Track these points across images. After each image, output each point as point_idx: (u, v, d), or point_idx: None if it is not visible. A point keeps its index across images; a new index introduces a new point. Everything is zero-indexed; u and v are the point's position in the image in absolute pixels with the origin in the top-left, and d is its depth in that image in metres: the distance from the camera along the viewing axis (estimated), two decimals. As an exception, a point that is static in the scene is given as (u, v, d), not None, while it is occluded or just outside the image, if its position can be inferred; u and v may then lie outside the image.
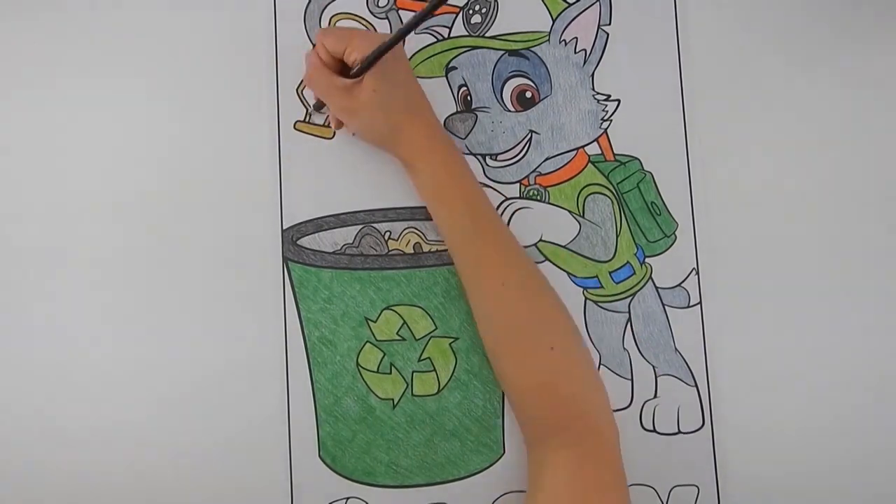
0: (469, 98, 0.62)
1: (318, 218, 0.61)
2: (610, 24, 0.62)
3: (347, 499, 0.59)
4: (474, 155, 0.62)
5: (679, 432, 0.60)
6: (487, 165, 0.62)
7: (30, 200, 0.61)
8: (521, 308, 0.55)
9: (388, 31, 0.62)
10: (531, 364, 0.55)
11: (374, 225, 0.61)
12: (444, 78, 0.62)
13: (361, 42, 0.54)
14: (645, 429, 0.60)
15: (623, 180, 0.61)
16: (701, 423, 0.60)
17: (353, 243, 0.61)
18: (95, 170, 0.61)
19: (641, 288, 0.61)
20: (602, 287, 0.61)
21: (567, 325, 0.56)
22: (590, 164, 0.62)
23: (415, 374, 0.60)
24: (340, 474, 0.60)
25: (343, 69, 0.56)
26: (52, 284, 0.60)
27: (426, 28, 0.62)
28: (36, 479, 0.59)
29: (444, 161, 0.57)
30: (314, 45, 0.58)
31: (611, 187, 0.61)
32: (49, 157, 0.61)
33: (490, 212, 0.57)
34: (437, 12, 0.62)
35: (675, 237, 0.61)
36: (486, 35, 0.62)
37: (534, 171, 0.62)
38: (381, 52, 0.52)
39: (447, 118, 0.62)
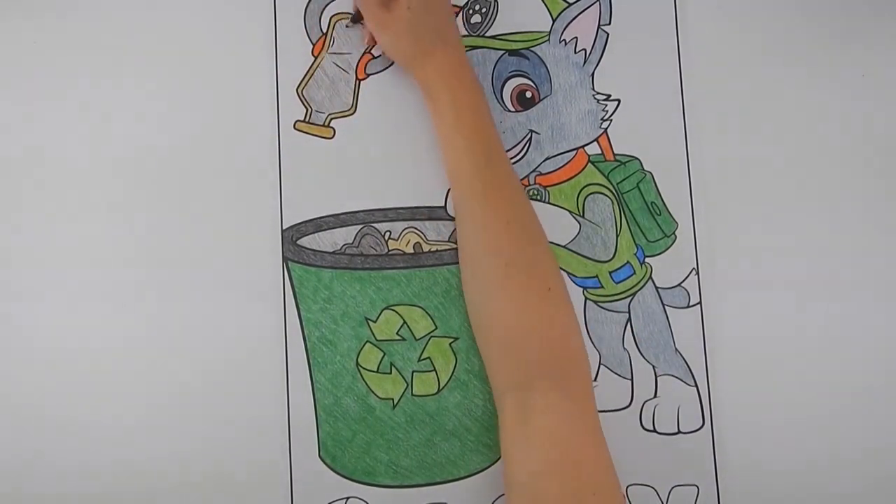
0: (469, 98, 0.62)
1: (318, 218, 0.61)
2: (610, 23, 0.62)
3: (347, 498, 0.59)
4: (474, 155, 0.61)
5: (679, 432, 0.60)
6: (487, 165, 0.61)
7: (29, 199, 0.61)
8: (524, 246, 0.55)
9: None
10: (531, 302, 0.54)
11: (374, 225, 0.61)
12: (444, 78, 0.62)
13: None
14: (645, 429, 0.60)
15: (623, 180, 0.61)
16: (701, 422, 0.60)
17: (353, 243, 0.61)
18: (95, 169, 0.61)
19: (641, 288, 0.61)
20: (602, 287, 0.61)
21: (558, 269, 0.57)
22: (590, 164, 0.62)
23: (415, 373, 0.60)
24: (340, 474, 0.60)
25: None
26: (51, 283, 0.60)
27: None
28: (31, 473, 0.59)
29: (466, 92, 0.57)
30: None
31: (611, 187, 0.61)
32: (47, 155, 0.61)
33: (502, 150, 0.58)
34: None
35: (675, 237, 0.61)
36: (486, 35, 0.62)
37: (534, 170, 0.62)
38: None
39: (447, 118, 0.61)
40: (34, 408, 0.59)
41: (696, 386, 0.60)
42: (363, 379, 0.60)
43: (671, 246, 0.61)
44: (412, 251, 0.61)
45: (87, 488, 0.59)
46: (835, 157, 0.62)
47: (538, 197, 0.61)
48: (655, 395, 0.60)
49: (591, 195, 0.61)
